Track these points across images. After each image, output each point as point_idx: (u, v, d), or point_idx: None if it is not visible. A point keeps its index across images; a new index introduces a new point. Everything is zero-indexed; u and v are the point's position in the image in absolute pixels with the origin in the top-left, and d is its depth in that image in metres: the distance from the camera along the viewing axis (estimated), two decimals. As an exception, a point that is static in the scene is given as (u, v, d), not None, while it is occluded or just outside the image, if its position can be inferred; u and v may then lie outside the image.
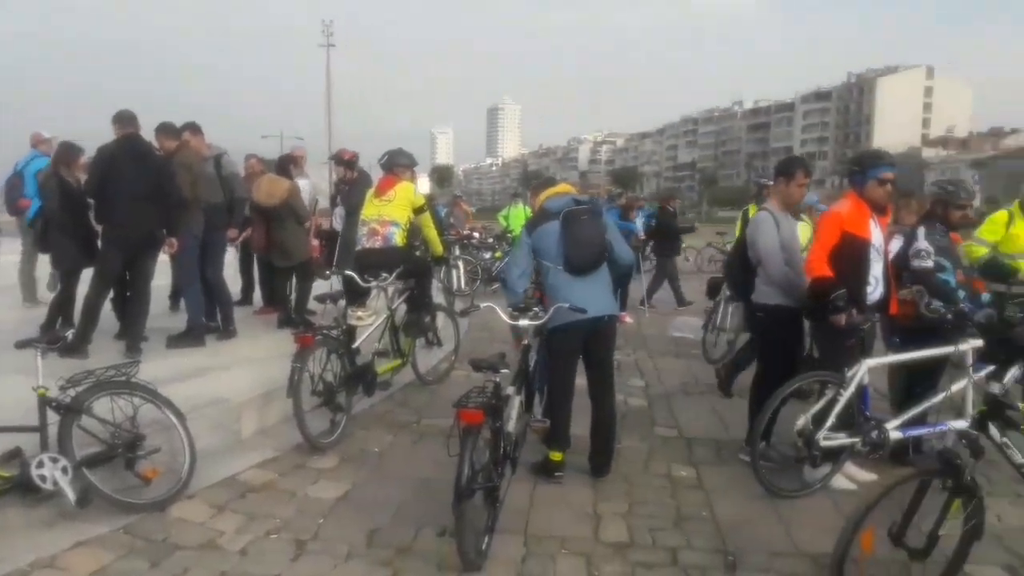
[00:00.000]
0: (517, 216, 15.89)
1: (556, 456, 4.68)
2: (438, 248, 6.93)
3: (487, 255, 14.73)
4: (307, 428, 4.96)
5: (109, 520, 3.83)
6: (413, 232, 6.58)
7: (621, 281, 5.64)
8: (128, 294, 6.51)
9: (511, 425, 4.00)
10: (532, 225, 4.86)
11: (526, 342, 4.45)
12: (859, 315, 4.49)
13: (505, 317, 4.49)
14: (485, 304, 4.68)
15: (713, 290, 8.55)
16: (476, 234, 16.02)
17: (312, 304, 7.66)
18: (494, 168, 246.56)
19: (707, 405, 6.60)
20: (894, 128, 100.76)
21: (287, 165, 8.09)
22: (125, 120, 6.14)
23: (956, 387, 4.66)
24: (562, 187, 4.93)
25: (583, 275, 4.59)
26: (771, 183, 8.73)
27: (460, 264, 12.78)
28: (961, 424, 4.63)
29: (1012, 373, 3.72)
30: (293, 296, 7.93)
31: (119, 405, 4.05)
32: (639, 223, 14.97)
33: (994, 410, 3.07)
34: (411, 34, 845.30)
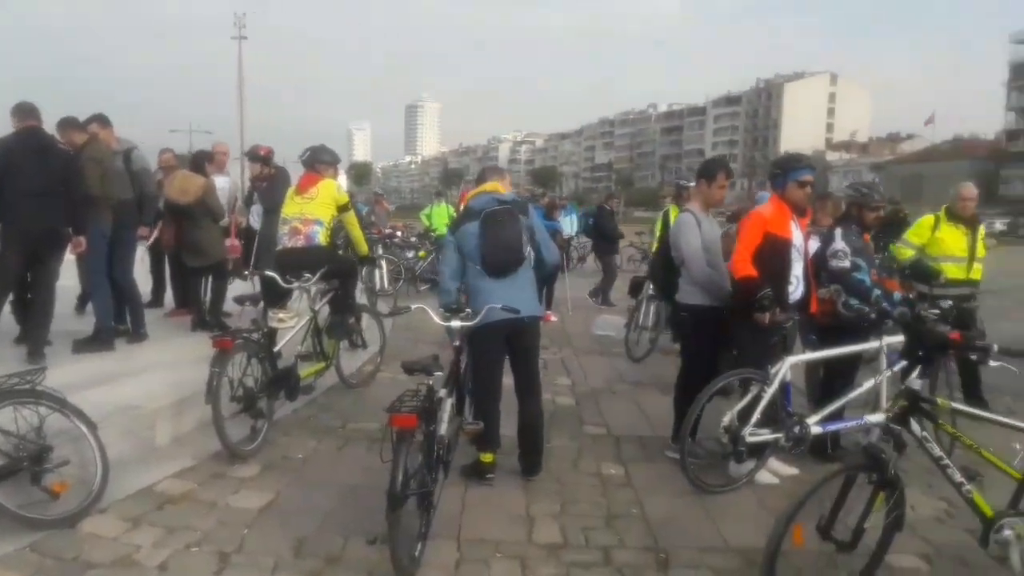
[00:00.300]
0: (439, 215, 15.81)
1: (487, 458, 4.63)
2: (363, 247, 6.78)
3: (410, 254, 14.57)
4: (227, 435, 4.76)
5: (14, 538, 3.57)
6: (335, 231, 6.42)
7: (546, 280, 5.63)
8: (30, 296, 6.12)
9: (443, 428, 3.93)
10: (456, 224, 4.82)
11: (457, 343, 4.38)
12: (782, 314, 4.62)
13: (436, 318, 4.42)
14: (416, 305, 4.59)
15: (635, 289, 8.69)
16: (398, 233, 15.83)
17: (229, 306, 7.39)
18: (413, 166, 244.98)
19: (632, 403, 6.68)
20: (800, 132, 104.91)
21: (202, 162, 7.78)
22: (25, 112, 5.77)
23: (872, 382, 4.88)
24: (489, 185, 4.87)
25: (502, 276, 4.54)
26: (691, 185, 8.99)
27: (383, 264, 12.60)
28: (878, 418, 4.82)
29: (910, 367, 3.84)
30: (208, 298, 7.63)
31: (23, 415, 3.77)
32: (568, 222, 15.28)
33: (914, 405, 3.19)
34: (326, 29, 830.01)
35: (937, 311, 4.31)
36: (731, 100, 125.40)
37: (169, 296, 8.46)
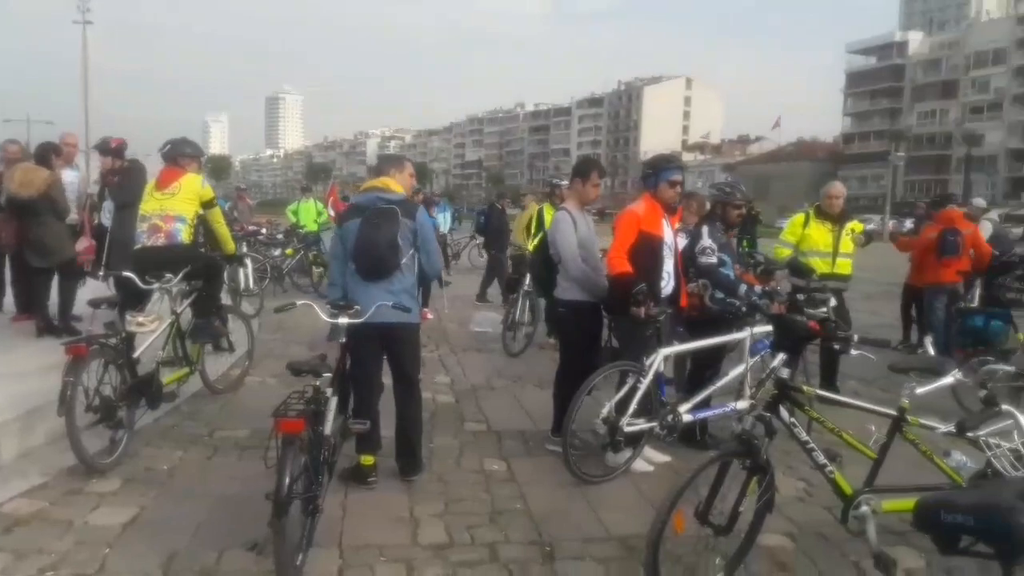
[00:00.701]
0: (307, 211, 15.32)
1: (367, 460, 4.53)
2: (230, 245, 6.46)
3: (276, 252, 14.05)
4: (83, 448, 4.41)
5: None
6: (197, 228, 6.08)
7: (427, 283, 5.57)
8: None
9: (329, 428, 3.81)
10: (343, 218, 4.72)
11: (344, 340, 4.26)
12: (656, 307, 4.78)
13: (323, 315, 4.28)
14: (302, 301, 4.41)
15: (512, 285, 8.77)
16: (263, 230, 15.22)
17: (80, 309, 6.84)
18: (275, 160, 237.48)
19: (512, 397, 6.74)
20: (659, 133, 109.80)
21: (48, 154, 7.16)
22: None
23: (737, 371, 5.15)
24: (380, 181, 4.70)
25: (375, 279, 4.43)
26: (563, 183, 9.18)
27: (248, 262, 12.07)
28: (743, 404, 5.10)
29: (781, 358, 4.08)
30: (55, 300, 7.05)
31: None
32: (443, 219, 15.40)
33: (783, 393, 3.37)
34: (179, 15, 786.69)
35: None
36: (594, 102, 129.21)
37: (10, 300, 7.74)
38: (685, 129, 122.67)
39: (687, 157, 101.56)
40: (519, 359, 8.28)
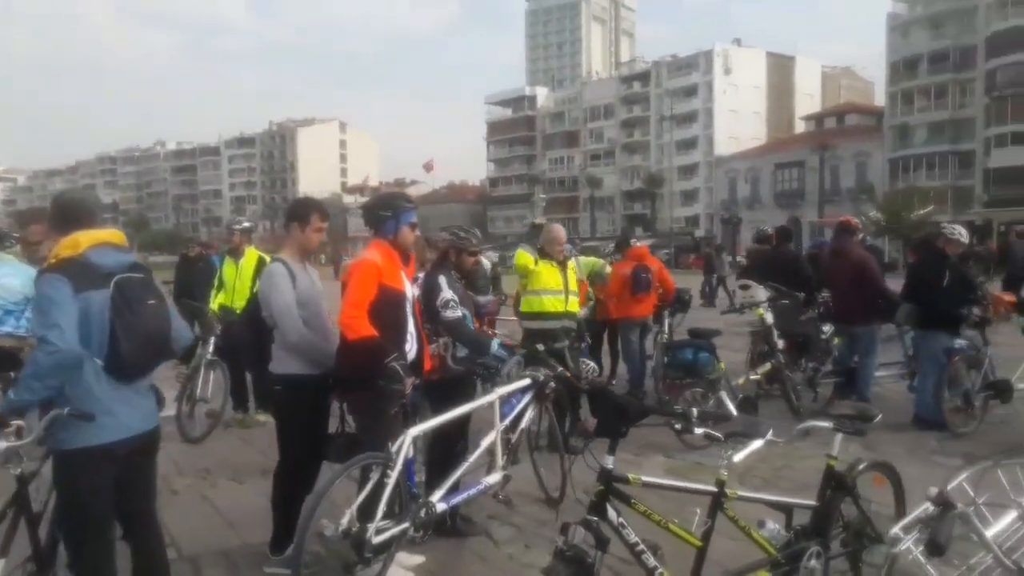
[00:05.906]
0: None
1: None
2: None
3: None
4: None
5: None
6: None
7: None
8: None
9: None
10: (76, 276, 2.88)
11: (18, 471, 2.87)
12: (414, 379, 3.93)
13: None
14: None
15: (187, 353, 7.20)
16: None
17: None
18: None
19: (203, 501, 5.27)
20: (317, 176, 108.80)
21: None
22: None
23: (488, 441, 4.48)
24: (106, 233, 3.13)
25: (138, 378, 3.04)
26: (243, 227, 7.89)
27: None
28: (495, 478, 4.45)
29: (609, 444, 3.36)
30: None
31: None
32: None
33: (609, 488, 2.70)
34: None
35: None
36: (244, 141, 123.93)
37: None
38: (343, 171, 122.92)
39: (348, 199, 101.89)
40: (203, 446, 6.61)
